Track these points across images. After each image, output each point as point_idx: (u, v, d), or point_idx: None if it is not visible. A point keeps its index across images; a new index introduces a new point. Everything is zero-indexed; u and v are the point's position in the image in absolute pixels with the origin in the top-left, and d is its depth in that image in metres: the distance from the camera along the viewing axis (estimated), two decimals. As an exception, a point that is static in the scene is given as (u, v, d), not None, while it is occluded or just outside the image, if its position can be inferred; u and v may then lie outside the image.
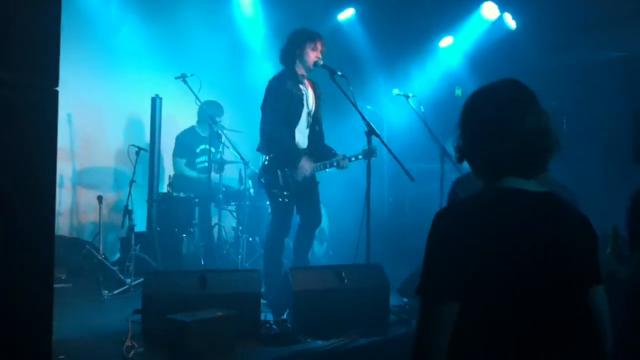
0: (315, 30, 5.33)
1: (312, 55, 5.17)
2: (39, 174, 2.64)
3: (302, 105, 5.22)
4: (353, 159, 5.28)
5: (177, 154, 7.05)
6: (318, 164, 5.25)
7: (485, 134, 1.81)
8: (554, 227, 1.77)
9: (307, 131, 5.32)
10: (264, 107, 5.23)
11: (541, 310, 1.72)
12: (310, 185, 5.28)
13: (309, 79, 5.36)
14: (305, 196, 5.25)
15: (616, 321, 1.97)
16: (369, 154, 5.09)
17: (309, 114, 5.31)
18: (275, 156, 5.16)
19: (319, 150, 5.38)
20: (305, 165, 5.15)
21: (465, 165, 1.94)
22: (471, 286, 1.67)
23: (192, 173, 7.00)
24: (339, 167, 5.30)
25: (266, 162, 5.21)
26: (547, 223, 1.77)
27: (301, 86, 5.25)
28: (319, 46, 5.21)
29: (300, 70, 5.25)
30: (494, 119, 1.79)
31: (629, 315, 2.65)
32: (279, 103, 5.12)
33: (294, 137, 5.19)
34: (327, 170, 5.34)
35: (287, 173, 5.11)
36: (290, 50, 5.23)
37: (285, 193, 5.09)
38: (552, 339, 1.73)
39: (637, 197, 2.74)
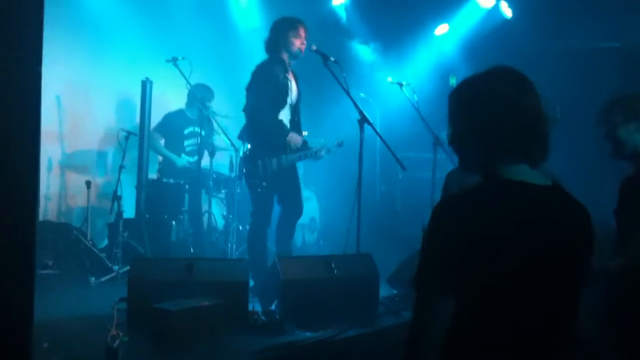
0: (296, 17, 5.29)
1: (297, 43, 5.18)
2: (20, 157, 2.56)
3: (287, 94, 5.19)
4: (327, 151, 5.35)
5: (157, 128, 6.83)
6: (296, 154, 5.25)
7: (487, 117, 1.74)
8: (555, 228, 1.72)
9: (289, 120, 5.28)
10: (249, 91, 5.21)
11: (536, 308, 1.69)
12: (290, 174, 5.26)
13: (292, 71, 5.32)
14: (286, 186, 5.24)
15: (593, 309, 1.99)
16: (338, 146, 5.34)
17: (291, 104, 5.28)
18: (256, 144, 5.13)
19: None
20: (294, 137, 5.15)
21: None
22: (466, 283, 1.64)
23: (166, 152, 6.80)
24: (315, 157, 5.38)
25: (247, 152, 5.19)
26: (549, 223, 1.71)
27: (287, 75, 5.21)
28: (301, 32, 5.20)
29: (287, 59, 5.22)
30: (497, 102, 1.73)
31: (620, 304, 2.65)
32: (266, 88, 5.09)
33: (278, 123, 5.14)
34: (303, 160, 5.43)
35: (267, 162, 5.07)
36: (274, 41, 5.22)
37: (263, 184, 5.05)
38: (544, 339, 1.70)
39: (624, 187, 2.74)
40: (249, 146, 5.21)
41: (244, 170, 5.21)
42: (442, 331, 1.65)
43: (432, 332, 1.65)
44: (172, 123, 6.90)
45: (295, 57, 5.24)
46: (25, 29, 2.53)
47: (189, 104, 6.89)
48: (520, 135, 1.72)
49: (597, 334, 2.41)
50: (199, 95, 6.45)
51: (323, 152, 5.34)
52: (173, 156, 6.81)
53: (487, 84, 1.77)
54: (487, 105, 1.74)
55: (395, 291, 5.12)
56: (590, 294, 1.89)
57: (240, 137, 5.38)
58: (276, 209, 5.36)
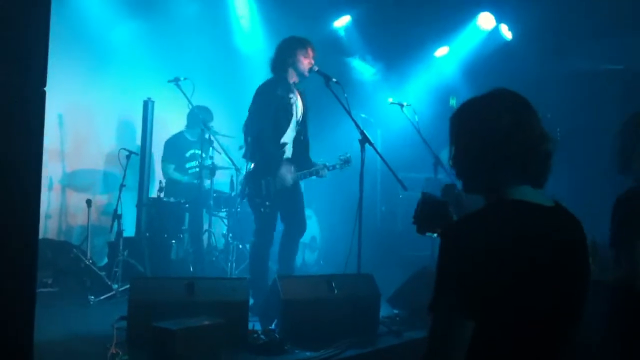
0: (305, 37, 5.29)
1: (306, 62, 5.15)
2: (23, 176, 2.56)
3: (292, 114, 5.19)
4: (331, 168, 5.34)
5: (165, 158, 6.96)
6: (299, 172, 5.24)
7: (489, 139, 1.75)
8: (559, 245, 1.74)
9: (293, 140, 5.28)
10: (251, 111, 5.20)
11: (540, 317, 1.70)
12: (293, 193, 5.24)
13: (297, 88, 5.32)
14: (288, 204, 5.23)
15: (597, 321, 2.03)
16: (345, 163, 5.27)
17: (297, 122, 5.27)
18: (258, 164, 5.13)
19: (303, 159, 5.36)
20: (287, 176, 5.11)
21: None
22: (482, 304, 1.64)
23: (182, 178, 6.91)
24: (318, 175, 5.35)
25: (251, 171, 5.18)
26: (557, 242, 1.73)
27: (291, 95, 5.20)
28: (310, 52, 5.19)
29: (293, 78, 5.22)
30: (499, 122, 1.74)
31: (621, 307, 2.69)
32: (268, 109, 5.08)
33: (280, 145, 5.15)
34: (307, 178, 5.41)
35: (269, 182, 5.07)
36: (282, 59, 5.19)
37: (267, 203, 5.05)
38: (549, 346, 1.74)
39: (618, 202, 2.78)
40: (252, 165, 5.21)
41: (247, 190, 5.19)
42: (461, 353, 1.65)
43: (450, 355, 1.65)
44: (175, 147, 6.96)
45: (303, 77, 5.20)
46: (31, 50, 2.55)
47: (189, 125, 6.93)
48: (522, 156, 1.74)
49: (598, 337, 2.41)
50: (201, 116, 6.48)
51: (326, 171, 5.33)
52: (187, 180, 6.86)
53: (489, 106, 1.79)
54: (489, 126, 1.76)
55: (396, 311, 5.10)
56: (590, 298, 1.91)
57: (245, 156, 5.38)
58: (278, 228, 5.35)
